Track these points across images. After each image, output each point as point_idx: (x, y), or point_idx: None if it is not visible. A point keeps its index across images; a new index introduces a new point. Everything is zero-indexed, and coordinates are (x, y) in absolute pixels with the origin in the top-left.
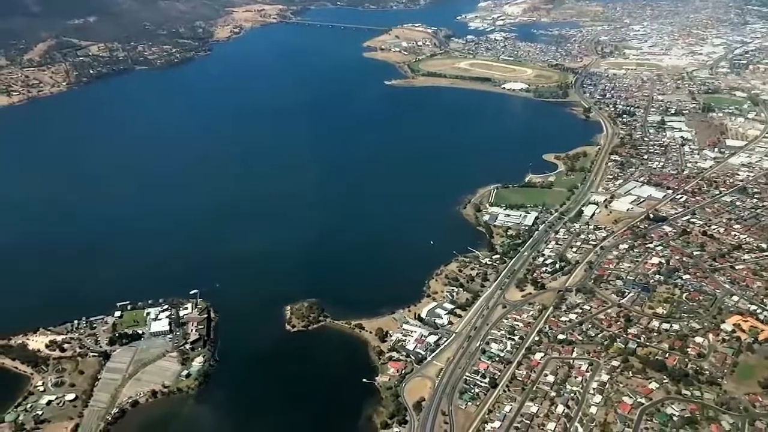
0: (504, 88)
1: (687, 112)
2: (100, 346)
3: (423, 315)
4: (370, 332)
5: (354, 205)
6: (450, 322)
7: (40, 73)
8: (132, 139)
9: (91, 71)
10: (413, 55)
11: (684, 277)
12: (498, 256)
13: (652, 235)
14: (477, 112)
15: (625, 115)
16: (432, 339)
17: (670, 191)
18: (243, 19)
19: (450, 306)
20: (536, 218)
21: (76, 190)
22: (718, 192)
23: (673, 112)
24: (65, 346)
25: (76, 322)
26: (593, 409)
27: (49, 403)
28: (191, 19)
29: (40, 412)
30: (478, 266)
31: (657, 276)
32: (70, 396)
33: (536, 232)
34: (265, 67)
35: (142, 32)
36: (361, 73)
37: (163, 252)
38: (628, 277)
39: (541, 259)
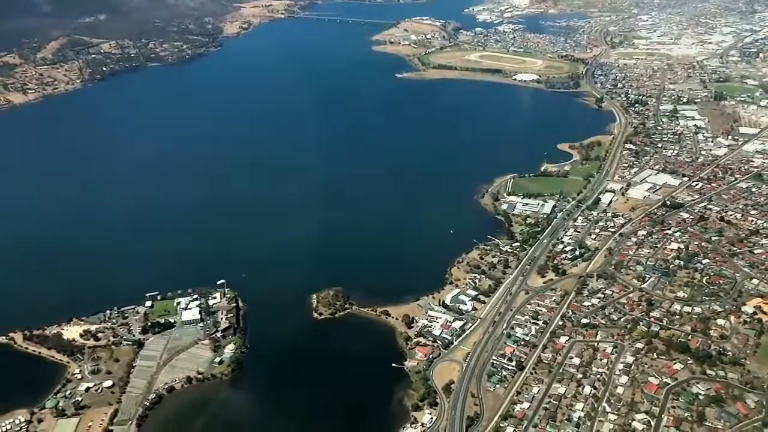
0: (515, 79)
1: (699, 100)
2: (134, 335)
3: (447, 301)
4: (396, 319)
5: (372, 196)
6: (474, 308)
7: (53, 70)
8: (152, 136)
9: (104, 68)
10: (423, 48)
11: (703, 261)
12: (518, 243)
13: (670, 221)
14: (489, 103)
15: (637, 105)
16: (457, 324)
17: (685, 178)
18: (251, 14)
19: (473, 292)
20: (554, 206)
21: (101, 185)
22: (733, 179)
23: (685, 100)
24: (99, 335)
25: (108, 312)
26: (620, 390)
27: (87, 389)
28: (200, 16)
29: (79, 398)
30: (498, 254)
31: (677, 261)
32: (108, 383)
33: (555, 220)
34: (276, 62)
35: (153, 29)
36: (372, 67)
37: (187, 244)
38: (648, 262)
39: (560, 246)
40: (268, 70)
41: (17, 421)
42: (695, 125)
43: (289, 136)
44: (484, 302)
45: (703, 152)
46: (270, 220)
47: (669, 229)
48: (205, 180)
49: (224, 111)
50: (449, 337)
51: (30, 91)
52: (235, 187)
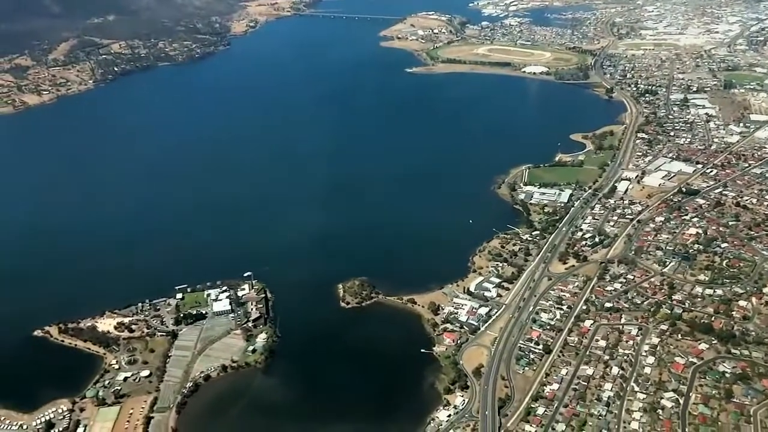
0: (524, 71)
1: (709, 89)
2: (167, 326)
3: (472, 289)
4: (422, 306)
5: (390, 188)
6: (498, 295)
7: (66, 71)
8: (171, 133)
9: (116, 69)
10: (431, 43)
11: (722, 245)
12: (537, 232)
13: (687, 207)
14: (500, 95)
15: (647, 94)
16: (483, 311)
17: (699, 166)
18: (257, 13)
19: (497, 280)
20: (571, 195)
21: (125, 182)
22: (747, 165)
23: (695, 89)
24: (133, 327)
25: (140, 304)
26: (647, 370)
27: (125, 379)
28: (207, 15)
29: (118, 388)
30: (519, 242)
31: (696, 246)
32: (145, 372)
33: (572, 208)
34: (286, 59)
35: (161, 29)
36: (381, 63)
37: (211, 238)
38: (667, 247)
39: (579, 233)
40: (279, 68)
41: (60, 410)
42: (706, 113)
43: (305, 131)
44: (507, 289)
45: (715, 140)
46: (291, 213)
47: (686, 215)
48: (225, 175)
49: (239, 108)
50: (476, 323)
51: (44, 92)
52: (254, 182)
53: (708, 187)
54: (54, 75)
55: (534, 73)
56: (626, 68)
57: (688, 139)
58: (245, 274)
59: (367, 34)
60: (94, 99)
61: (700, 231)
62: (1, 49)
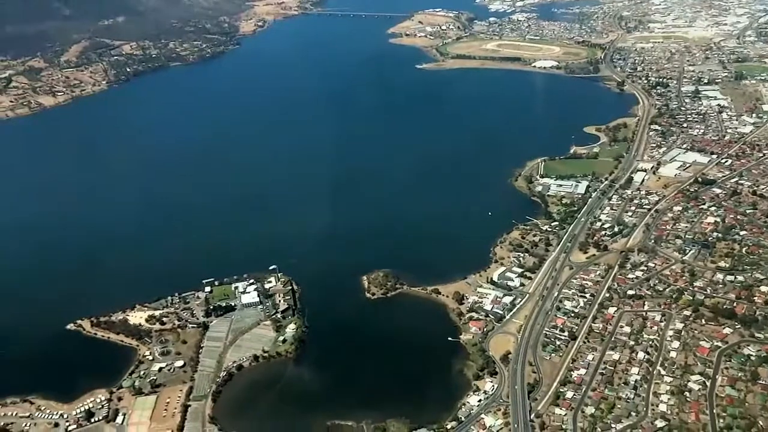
0: (534, 66)
1: (720, 81)
2: (197, 318)
3: (495, 278)
4: (447, 296)
5: (407, 182)
6: (522, 284)
7: (79, 73)
8: (190, 131)
9: (128, 69)
10: (439, 39)
11: (741, 233)
12: (556, 222)
13: (704, 197)
14: (511, 90)
15: (658, 87)
16: (507, 300)
17: (714, 156)
18: (265, 12)
19: (519, 269)
20: (588, 186)
21: (147, 179)
22: (762, 155)
23: (706, 81)
24: (164, 319)
25: (169, 298)
26: (673, 354)
27: (160, 369)
28: (215, 15)
29: (154, 378)
30: (539, 233)
31: (715, 234)
32: (179, 363)
33: (590, 199)
34: (297, 58)
35: (171, 29)
36: (391, 60)
37: (235, 233)
38: (686, 236)
39: (598, 223)
40: (291, 66)
41: (98, 400)
42: (718, 105)
43: (321, 127)
44: (530, 278)
45: (729, 130)
46: (312, 207)
47: (704, 204)
48: (244, 171)
49: (254, 106)
50: (501, 312)
51: (59, 94)
52: (272, 177)
53: (724, 176)
54: (67, 76)
55: (544, 68)
56: (636, 61)
57: (702, 130)
58: (270, 268)
59: (374, 31)
60: (110, 99)
61: (718, 219)
62: (14, 52)
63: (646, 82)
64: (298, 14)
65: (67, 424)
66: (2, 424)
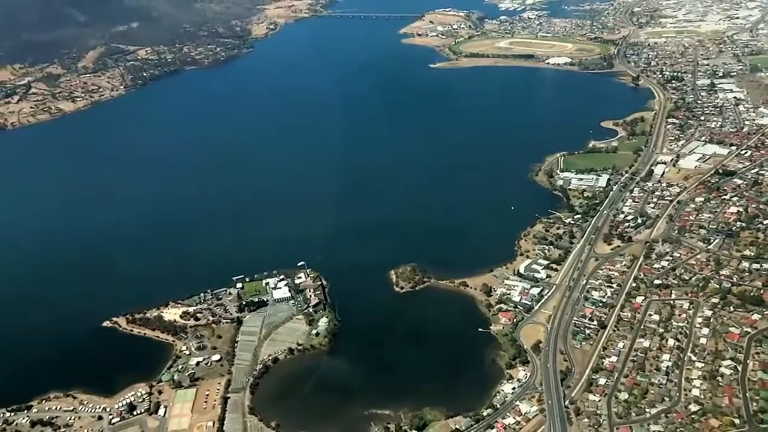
0: (548, 63)
1: (735, 73)
2: (231, 314)
3: (521, 270)
4: (475, 289)
5: (429, 178)
6: (548, 276)
7: (96, 78)
8: (210, 132)
9: (144, 74)
10: (451, 39)
11: (764, 222)
12: (579, 215)
13: (725, 188)
14: (526, 87)
15: (674, 81)
16: (535, 291)
17: (733, 147)
18: (276, 15)
19: (545, 261)
20: (609, 180)
21: (175, 180)
22: None
23: (721, 74)
24: (198, 315)
25: (202, 294)
26: (703, 340)
27: (197, 363)
28: (227, 19)
29: (192, 371)
30: (562, 225)
31: (738, 223)
32: (216, 357)
33: (611, 192)
34: (311, 59)
35: (184, 34)
36: (405, 59)
37: (261, 232)
38: (710, 225)
39: (621, 215)
40: (305, 68)
41: (138, 393)
42: (735, 97)
43: (341, 127)
44: (556, 270)
45: (746, 122)
46: (335, 204)
47: (725, 194)
48: (267, 171)
49: (273, 107)
50: (529, 303)
51: (78, 99)
52: (295, 176)
53: (744, 167)
54: (85, 82)
55: (558, 64)
56: (650, 56)
57: (719, 123)
58: (299, 264)
59: (386, 32)
60: (129, 103)
61: (741, 209)
62: (32, 59)
63: (660, 76)
64: (308, 16)
65: (110, 416)
66: (47, 417)
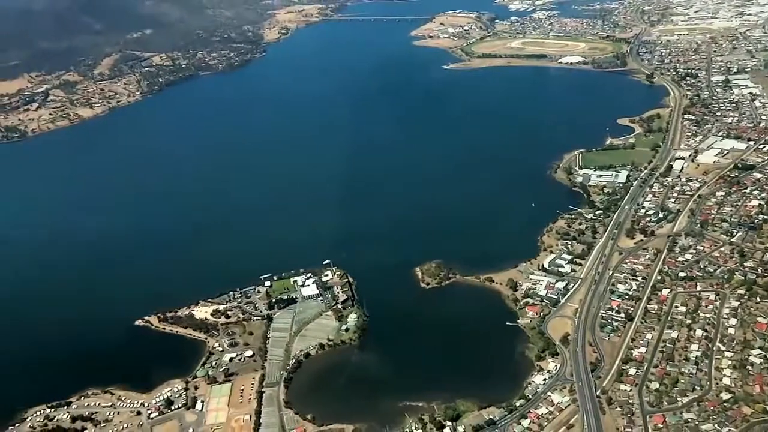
0: (561, 62)
1: (749, 69)
2: (261, 311)
3: (546, 265)
4: (500, 284)
5: (448, 177)
6: (573, 270)
7: (113, 85)
8: (230, 135)
9: (160, 80)
10: (463, 40)
11: None
12: (600, 211)
13: (745, 182)
14: (541, 86)
15: (688, 78)
16: (560, 285)
17: (751, 142)
18: (286, 20)
19: (568, 256)
20: (628, 176)
21: (197, 183)
22: None
23: (735, 70)
24: (228, 313)
25: (231, 293)
26: (731, 330)
27: (231, 359)
28: (239, 24)
29: (226, 367)
30: (584, 221)
31: (760, 216)
32: (248, 353)
33: (631, 188)
34: (324, 62)
35: (197, 40)
36: (418, 61)
37: (286, 231)
38: (732, 219)
39: (642, 210)
40: (319, 70)
41: (175, 389)
42: (750, 93)
43: (360, 128)
44: (580, 264)
45: (763, 117)
46: (358, 203)
47: (746, 188)
48: (288, 171)
49: (291, 109)
50: (555, 297)
51: (96, 105)
52: (317, 175)
53: (763, 162)
54: (102, 88)
55: (571, 63)
56: (663, 54)
57: (736, 118)
58: (324, 262)
59: (397, 34)
60: (146, 109)
61: (762, 202)
62: (49, 66)
63: (674, 73)
64: (319, 20)
65: (149, 411)
66: (87, 413)
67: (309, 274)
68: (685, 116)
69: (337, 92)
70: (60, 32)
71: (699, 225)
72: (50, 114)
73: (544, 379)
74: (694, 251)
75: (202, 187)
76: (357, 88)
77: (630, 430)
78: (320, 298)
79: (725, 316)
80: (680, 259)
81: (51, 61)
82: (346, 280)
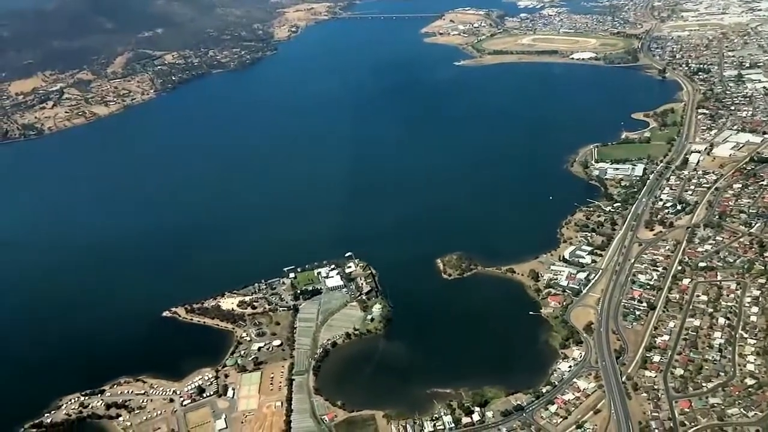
0: (572, 58)
1: (762, 64)
2: (286, 302)
3: (566, 256)
4: (522, 275)
5: (466, 171)
6: (593, 261)
7: (126, 83)
8: (250, 131)
9: (173, 78)
10: (473, 37)
11: None
12: (618, 203)
13: (762, 174)
14: (554, 81)
15: (700, 73)
16: (581, 275)
17: (766, 136)
18: (296, 18)
19: (588, 248)
20: (644, 169)
21: (218, 179)
22: None
23: (748, 65)
24: (255, 304)
25: (256, 285)
26: (753, 318)
27: (259, 348)
28: (249, 23)
29: (255, 356)
30: (603, 213)
31: None
32: (276, 342)
33: (648, 181)
34: (336, 60)
35: (208, 38)
36: (429, 58)
37: (307, 224)
38: (750, 210)
39: (660, 203)
40: (332, 68)
41: (206, 377)
42: (764, 87)
43: (375, 124)
44: (601, 255)
45: None
46: (377, 197)
47: (763, 180)
48: (308, 166)
49: (306, 105)
50: (577, 287)
51: (111, 103)
52: (337, 170)
53: None
54: (116, 87)
55: (583, 59)
56: (674, 49)
57: (750, 112)
58: (346, 254)
59: (407, 32)
60: (161, 106)
61: None
62: (62, 65)
63: (687, 68)
64: (328, 18)
65: (181, 399)
66: (121, 400)
67: (332, 266)
68: (699, 110)
69: (350, 90)
70: (72, 32)
71: (717, 216)
72: (66, 112)
73: (570, 366)
74: (714, 242)
75: (221, 184)
76: (370, 86)
77: (657, 414)
78: (344, 289)
79: (747, 305)
80: (700, 249)
81: (64, 60)
82: (369, 272)
